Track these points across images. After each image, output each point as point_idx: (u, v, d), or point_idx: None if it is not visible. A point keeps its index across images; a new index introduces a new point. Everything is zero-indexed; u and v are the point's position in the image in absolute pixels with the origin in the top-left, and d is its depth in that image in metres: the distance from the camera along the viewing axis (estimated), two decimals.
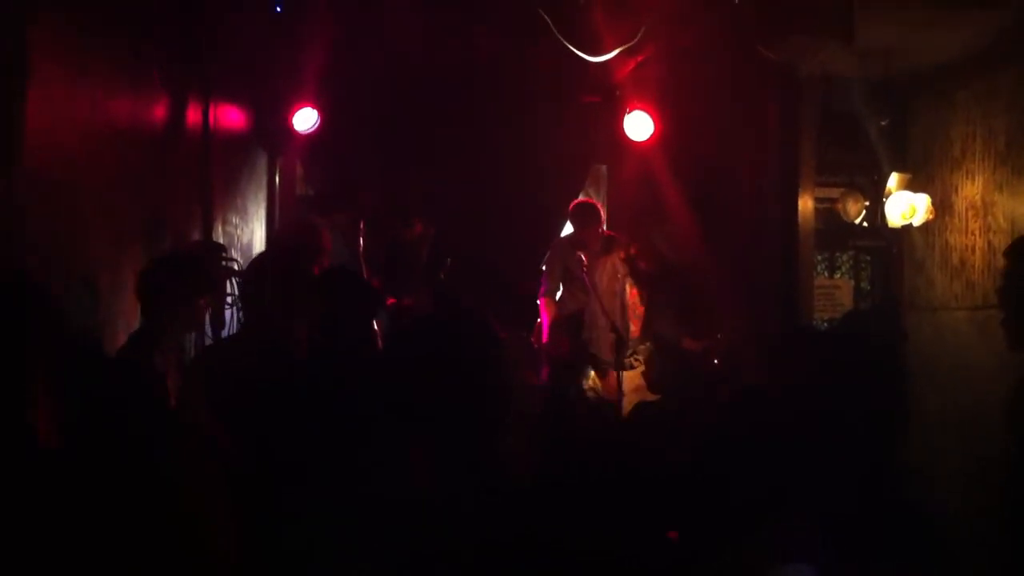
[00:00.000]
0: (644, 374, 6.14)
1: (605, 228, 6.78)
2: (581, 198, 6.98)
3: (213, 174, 6.13)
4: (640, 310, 6.23)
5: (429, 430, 2.18)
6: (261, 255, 5.91)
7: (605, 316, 6.14)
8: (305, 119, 6.91)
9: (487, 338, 2.31)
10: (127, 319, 4.42)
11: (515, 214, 7.12)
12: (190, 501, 2.54)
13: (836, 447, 2.53)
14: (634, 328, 6.25)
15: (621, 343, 6.08)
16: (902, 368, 3.27)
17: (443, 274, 6.42)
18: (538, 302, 7.12)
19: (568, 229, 7.02)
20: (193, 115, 5.82)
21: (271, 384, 3.13)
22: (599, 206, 6.61)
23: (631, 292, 6.24)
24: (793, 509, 2.16)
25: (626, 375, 6.12)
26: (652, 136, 6.70)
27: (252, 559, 2.55)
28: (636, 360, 6.17)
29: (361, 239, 6.03)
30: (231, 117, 6.66)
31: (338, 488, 2.39)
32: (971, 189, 6.04)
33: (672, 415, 5.84)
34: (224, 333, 5.13)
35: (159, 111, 5.34)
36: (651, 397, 6.11)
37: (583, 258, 6.17)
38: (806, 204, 6.39)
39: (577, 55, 5.76)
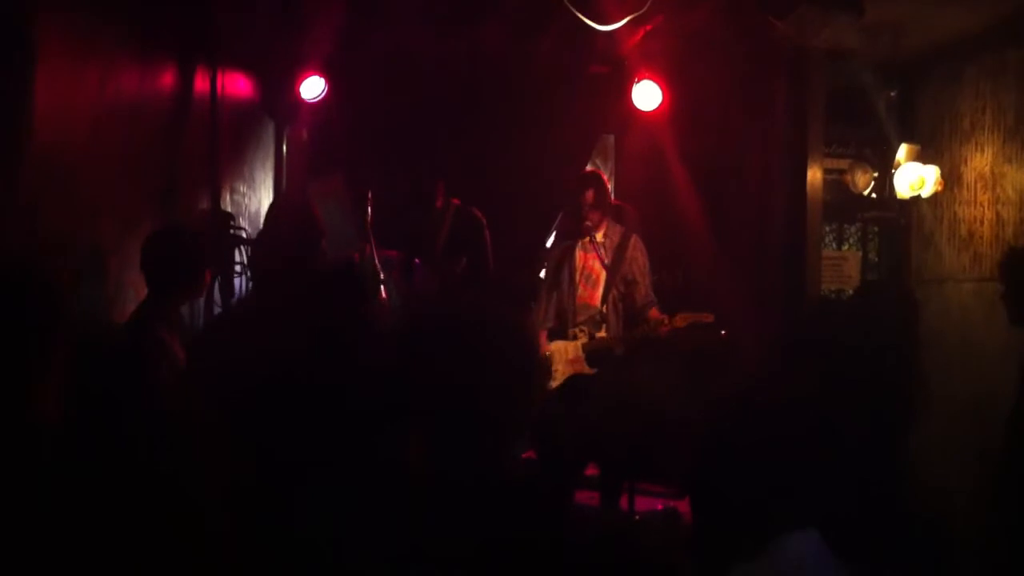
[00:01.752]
0: (583, 346, 6.03)
1: (612, 198, 6.74)
2: (590, 168, 6.98)
3: (221, 143, 6.14)
4: (599, 276, 6.07)
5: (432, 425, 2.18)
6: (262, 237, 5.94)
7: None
8: (312, 87, 6.90)
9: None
10: (136, 290, 4.44)
11: (523, 184, 7.12)
12: (195, 478, 2.56)
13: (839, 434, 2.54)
14: (590, 295, 6.13)
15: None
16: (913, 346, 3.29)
17: (458, 270, 6.38)
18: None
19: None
20: (201, 83, 5.82)
21: (272, 375, 3.13)
22: (599, 173, 6.54)
23: (591, 258, 6.07)
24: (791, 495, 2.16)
25: (563, 346, 6.03)
26: (660, 106, 6.65)
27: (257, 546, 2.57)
28: (581, 331, 6.08)
29: (369, 208, 6.02)
30: (238, 85, 6.65)
31: (341, 477, 2.41)
32: (980, 161, 6.03)
33: (604, 392, 5.82)
34: (233, 299, 5.17)
35: (167, 80, 5.34)
36: (586, 371, 5.97)
37: (590, 228, 6.08)
38: (815, 175, 6.36)
39: (586, 24, 5.71)
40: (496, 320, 2.39)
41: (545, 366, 5.89)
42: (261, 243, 4.76)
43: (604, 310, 6.00)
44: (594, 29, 5.78)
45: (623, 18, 5.67)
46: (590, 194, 5.92)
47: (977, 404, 5.39)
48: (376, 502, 2.12)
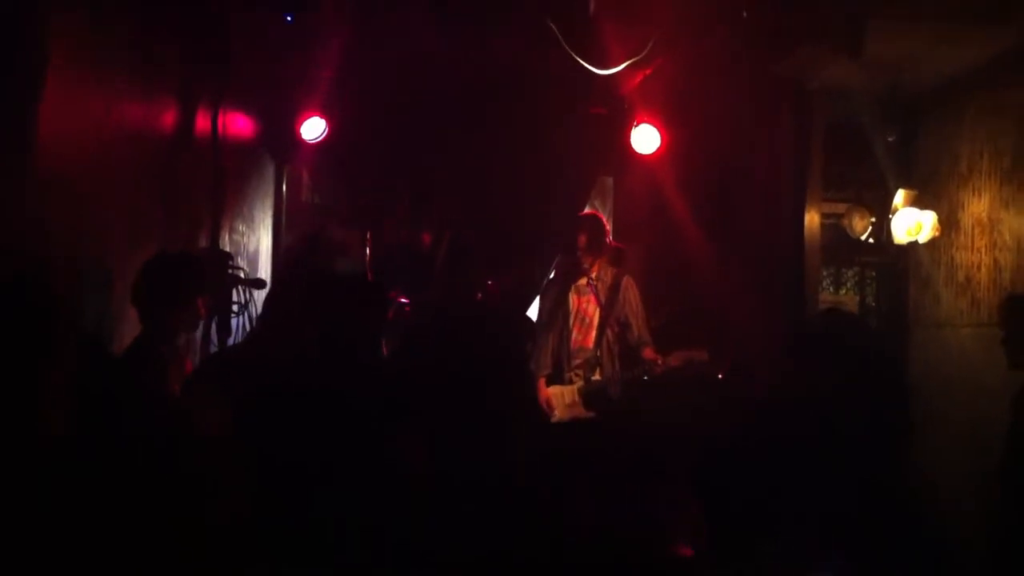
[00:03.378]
0: (580, 389, 6.04)
1: (611, 240, 6.76)
2: (586, 210, 6.98)
3: (221, 181, 6.15)
4: (594, 318, 6.09)
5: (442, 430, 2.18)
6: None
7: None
8: (313, 128, 6.94)
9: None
10: (136, 323, 4.42)
11: (522, 225, 7.13)
12: (195, 500, 2.54)
13: (833, 458, 2.54)
14: (584, 337, 6.15)
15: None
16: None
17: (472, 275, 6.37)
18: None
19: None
20: (202, 122, 5.84)
21: (286, 387, 3.13)
22: (602, 217, 6.58)
23: (584, 300, 6.10)
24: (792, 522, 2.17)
25: (560, 391, 6.05)
26: (659, 149, 6.71)
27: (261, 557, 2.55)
28: (576, 374, 6.09)
29: (368, 248, 6.04)
30: (239, 124, 6.68)
31: (351, 488, 2.40)
32: (977, 206, 6.04)
33: (603, 434, 5.81)
34: (230, 341, 5.14)
35: (169, 117, 5.37)
36: (584, 415, 6.00)
37: (586, 270, 6.11)
38: (812, 219, 6.38)
39: (585, 67, 5.76)
40: (494, 323, 2.41)
41: (545, 411, 5.92)
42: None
43: (598, 353, 6.02)
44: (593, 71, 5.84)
45: (622, 62, 5.71)
46: (583, 238, 5.97)
47: (981, 446, 5.36)
48: (379, 505, 2.12)
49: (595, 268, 6.05)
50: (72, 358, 2.35)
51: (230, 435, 2.76)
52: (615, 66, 5.74)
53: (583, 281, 6.06)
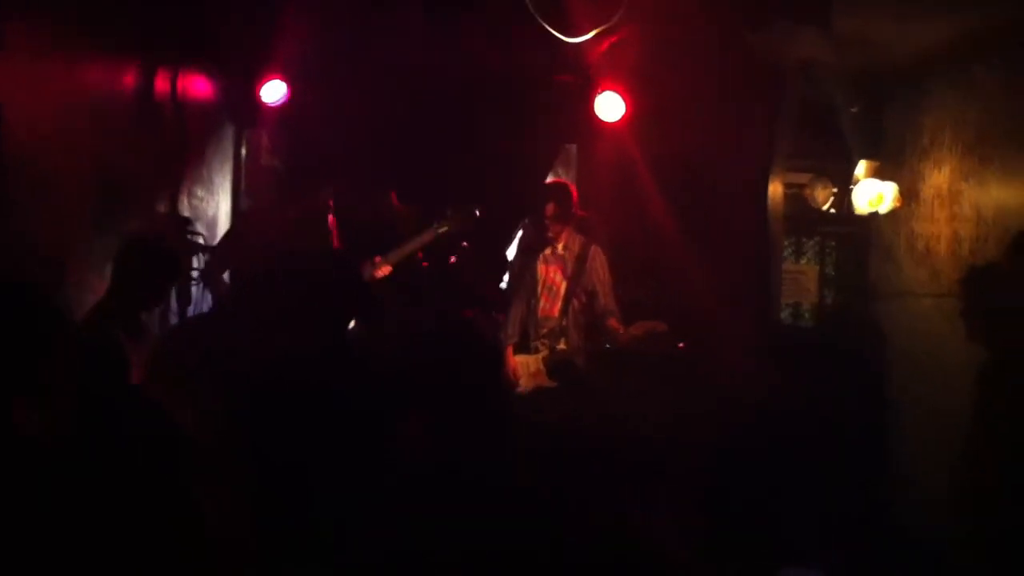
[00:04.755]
0: (544, 359, 6.06)
1: (578, 209, 6.73)
2: (553, 178, 6.96)
3: (181, 146, 6.06)
4: (560, 288, 6.10)
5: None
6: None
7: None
8: (274, 91, 6.82)
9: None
10: (94, 291, 4.36)
11: (485, 193, 7.08)
12: (155, 478, 2.51)
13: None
14: (551, 307, 6.17)
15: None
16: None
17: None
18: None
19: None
20: (162, 85, 5.73)
21: (250, 368, 3.09)
22: (565, 184, 6.55)
23: (552, 270, 6.11)
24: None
25: (525, 360, 6.03)
26: (623, 117, 6.68)
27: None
28: (542, 343, 6.11)
29: (331, 216, 5.97)
30: (199, 88, 6.57)
31: (322, 474, 2.37)
32: (938, 178, 6.09)
33: (566, 404, 5.85)
34: (190, 309, 5.08)
35: (128, 81, 5.26)
36: (548, 384, 5.99)
37: (552, 239, 6.10)
38: (775, 189, 6.41)
39: (552, 35, 5.71)
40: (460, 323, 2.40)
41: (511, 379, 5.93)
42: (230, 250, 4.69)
43: (564, 323, 6.02)
44: (560, 38, 5.78)
45: (591, 30, 5.67)
46: (551, 207, 5.95)
47: (941, 413, 5.43)
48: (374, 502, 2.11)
49: (563, 237, 6.04)
50: (25, 341, 2.30)
51: (196, 417, 2.73)
52: (583, 34, 5.69)
53: (550, 250, 6.04)
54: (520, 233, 7.18)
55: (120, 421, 2.40)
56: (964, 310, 4.41)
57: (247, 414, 3.01)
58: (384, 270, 6.07)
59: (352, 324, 4.55)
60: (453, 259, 6.47)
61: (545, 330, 6.05)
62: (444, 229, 6.21)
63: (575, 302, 6.03)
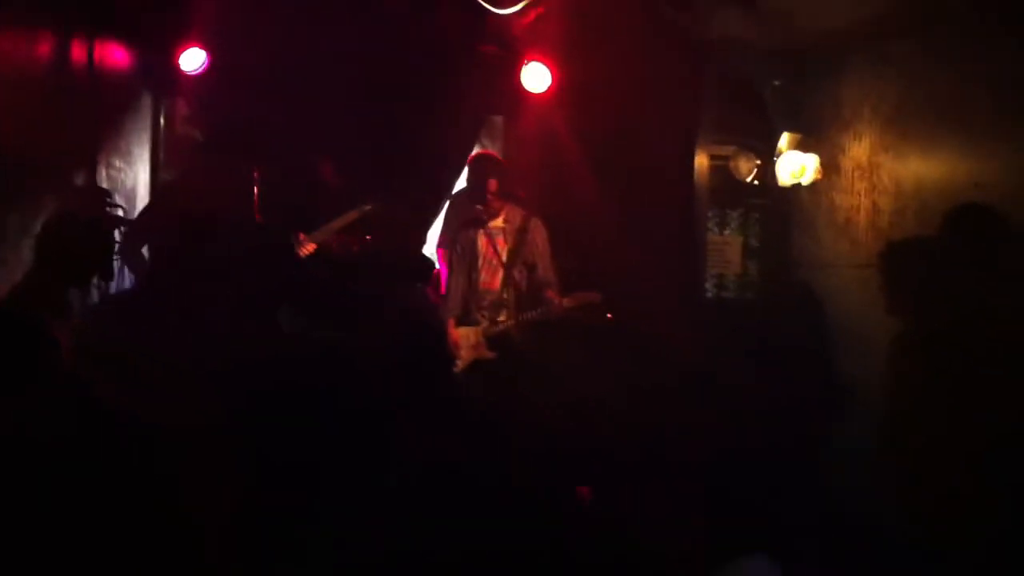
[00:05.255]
0: (484, 331, 6.11)
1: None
2: (480, 150, 6.93)
3: (97, 115, 5.90)
4: (501, 260, 6.13)
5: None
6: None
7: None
8: (192, 59, 6.67)
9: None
10: (9, 267, 4.24)
11: (410, 165, 7.02)
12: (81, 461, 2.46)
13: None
14: (491, 280, 6.20)
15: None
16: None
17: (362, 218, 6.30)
18: (436, 253, 7.12)
19: (464, 181, 6.95)
20: (77, 53, 5.57)
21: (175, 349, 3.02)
22: (499, 158, 6.55)
23: (493, 243, 6.13)
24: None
25: (466, 332, 6.10)
26: (549, 89, 6.67)
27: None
28: (483, 316, 6.14)
29: (255, 187, 5.87)
30: (116, 56, 6.39)
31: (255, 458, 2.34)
32: (858, 150, 6.18)
33: (504, 375, 5.92)
34: (113, 285, 4.95)
35: (42, 49, 5.09)
36: (488, 356, 6.09)
37: (480, 210, 6.12)
38: (700, 162, 6.45)
39: (478, 5, 5.67)
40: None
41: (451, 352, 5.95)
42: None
43: (505, 295, 6.06)
44: (485, 8, 5.75)
45: (516, 2, 5.64)
46: (494, 183, 5.97)
47: (860, 383, 5.53)
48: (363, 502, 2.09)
49: (503, 211, 6.08)
50: None
51: (122, 396, 2.67)
52: (511, 6, 5.66)
53: (491, 224, 6.08)
54: (448, 205, 7.15)
55: (47, 405, 2.34)
56: (883, 284, 4.46)
57: (174, 393, 2.96)
58: (309, 247, 6.03)
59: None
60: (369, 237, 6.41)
61: (486, 302, 6.10)
62: (368, 207, 6.18)
63: (515, 274, 6.07)
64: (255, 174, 5.91)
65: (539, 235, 6.13)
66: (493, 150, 7.41)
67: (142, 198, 6.94)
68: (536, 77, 6.69)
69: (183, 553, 2.23)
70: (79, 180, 5.72)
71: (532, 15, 6.13)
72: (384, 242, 6.45)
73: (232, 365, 2.88)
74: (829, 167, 6.39)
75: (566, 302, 5.96)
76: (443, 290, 6.40)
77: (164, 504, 2.41)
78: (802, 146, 6.41)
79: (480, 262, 6.10)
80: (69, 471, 2.21)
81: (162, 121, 7.38)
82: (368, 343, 2.26)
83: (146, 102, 7.21)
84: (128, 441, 2.42)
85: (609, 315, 6.33)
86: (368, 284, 5.91)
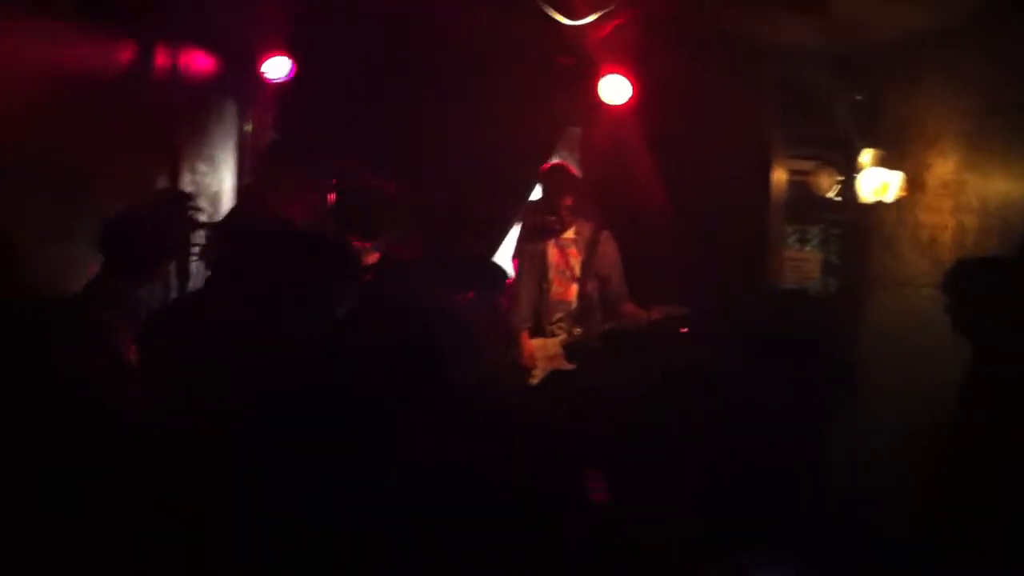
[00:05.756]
0: (563, 343, 6.08)
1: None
2: (554, 160, 6.91)
3: (180, 121, 6.04)
4: (574, 272, 6.12)
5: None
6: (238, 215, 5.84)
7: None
8: (277, 67, 6.81)
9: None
10: (84, 268, 4.35)
11: (486, 174, 7.05)
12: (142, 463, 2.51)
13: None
14: (564, 291, 6.17)
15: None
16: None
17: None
18: (511, 263, 7.13)
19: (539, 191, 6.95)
20: (161, 60, 5.71)
21: (234, 352, 3.06)
22: (572, 169, 6.54)
23: (564, 255, 6.13)
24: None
25: (542, 343, 6.09)
26: (628, 101, 6.63)
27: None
28: (558, 327, 6.12)
29: (331, 197, 5.95)
30: (200, 63, 6.54)
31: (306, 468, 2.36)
32: (943, 168, 6.03)
33: (586, 387, 5.88)
34: (190, 286, 5.06)
35: (125, 56, 5.24)
36: (566, 367, 6.06)
37: (551, 221, 6.13)
38: (778, 176, 6.36)
39: (552, 17, 5.67)
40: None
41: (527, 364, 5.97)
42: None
43: (579, 306, 6.06)
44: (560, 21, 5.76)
45: (592, 13, 5.63)
46: (567, 196, 5.98)
47: (934, 408, 5.39)
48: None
49: (574, 223, 6.09)
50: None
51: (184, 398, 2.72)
52: (583, 17, 5.65)
53: (562, 235, 6.09)
54: (523, 214, 7.16)
55: (47, 405, 2.39)
56: (949, 304, 4.30)
57: (232, 396, 2.99)
58: (374, 256, 6.10)
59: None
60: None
61: (560, 314, 6.11)
62: (436, 221, 6.23)
63: (589, 286, 6.07)
64: (332, 182, 5.98)
65: (610, 248, 6.13)
66: (570, 161, 7.40)
67: (227, 203, 7.09)
68: (615, 89, 6.65)
69: (183, 553, 2.26)
70: (161, 184, 5.85)
71: (609, 26, 6.10)
72: (456, 251, 6.47)
73: (285, 369, 2.91)
74: (913, 184, 6.24)
75: (653, 314, 5.93)
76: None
77: (165, 504, 2.45)
78: (884, 162, 6.28)
79: (551, 273, 6.12)
80: (68, 470, 2.25)
81: (248, 128, 7.52)
82: (371, 343, 2.27)
83: (232, 109, 7.35)
84: (130, 440, 2.46)
85: (684, 329, 6.27)
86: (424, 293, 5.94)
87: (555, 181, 6.18)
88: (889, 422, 6.13)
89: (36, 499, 2.18)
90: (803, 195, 6.77)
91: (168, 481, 2.51)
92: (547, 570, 2.04)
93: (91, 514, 2.26)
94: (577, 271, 6.09)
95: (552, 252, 6.12)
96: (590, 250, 6.08)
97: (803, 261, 6.94)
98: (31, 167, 4.09)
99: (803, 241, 7.04)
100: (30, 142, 4.02)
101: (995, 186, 5.57)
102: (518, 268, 6.46)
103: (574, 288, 6.11)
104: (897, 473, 5.54)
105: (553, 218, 6.07)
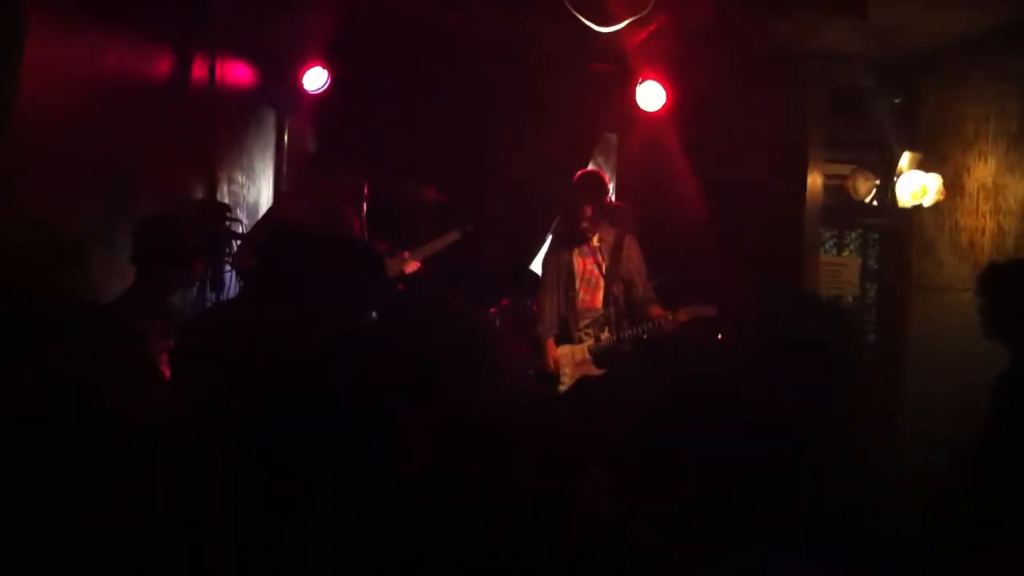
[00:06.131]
0: (590, 348, 6.07)
1: (613, 198, 6.74)
2: (587, 168, 6.91)
3: (218, 131, 6.10)
4: (599, 279, 6.11)
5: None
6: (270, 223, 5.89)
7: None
8: (315, 79, 6.86)
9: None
10: (125, 277, 4.41)
11: (523, 180, 7.07)
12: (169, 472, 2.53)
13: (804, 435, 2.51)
14: (591, 298, 6.17)
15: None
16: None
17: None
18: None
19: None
20: (198, 71, 5.78)
21: (266, 360, 3.08)
22: (604, 176, 6.53)
23: (589, 262, 6.13)
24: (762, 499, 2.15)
25: (571, 349, 6.08)
26: (664, 107, 6.62)
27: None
28: (586, 334, 6.12)
29: (365, 204, 6.00)
30: (238, 74, 6.61)
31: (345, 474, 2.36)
32: (983, 170, 5.97)
33: (615, 391, 5.86)
34: (224, 295, 5.11)
35: (162, 65, 5.30)
36: (595, 372, 6.05)
37: (590, 234, 6.13)
38: (815, 181, 6.32)
39: (587, 24, 5.67)
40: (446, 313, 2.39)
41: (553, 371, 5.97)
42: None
43: (607, 311, 6.05)
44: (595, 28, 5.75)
45: (624, 19, 5.63)
46: (589, 209, 5.99)
47: (974, 413, 5.32)
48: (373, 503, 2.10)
49: (597, 231, 6.08)
50: (40, 328, 2.33)
51: (211, 411, 2.74)
52: (617, 23, 5.65)
53: (586, 244, 6.09)
54: (555, 226, 7.17)
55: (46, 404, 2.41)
56: (983, 307, 4.22)
57: (259, 403, 3.02)
58: (413, 265, 6.14)
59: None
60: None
61: (587, 320, 6.10)
62: (471, 228, 6.24)
63: (614, 291, 6.07)
64: (364, 191, 6.02)
65: (634, 252, 6.13)
66: (606, 168, 7.41)
67: (263, 214, 7.15)
68: (651, 95, 6.64)
69: (183, 553, 2.28)
70: (199, 194, 5.92)
71: (643, 33, 6.09)
72: (493, 259, 6.50)
73: (311, 375, 2.93)
74: (952, 188, 6.18)
75: (681, 316, 5.92)
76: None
77: (165, 504, 2.46)
78: (923, 166, 6.22)
79: (578, 282, 6.12)
80: (68, 469, 2.27)
81: (286, 138, 7.59)
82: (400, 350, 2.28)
83: (270, 119, 7.43)
84: (129, 439, 2.48)
85: (720, 335, 6.25)
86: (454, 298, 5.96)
87: (579, 190, 6.17)
88: (929, 427, 6.07)
89: (36, 499, 2.21)
90: (841, 200, 6.71)
91: (172, 482, 2.53)
92: (547, 570, 2.03)
93: (91, 514, 2.28)
94: (602, 278, 6.09)
95: (577, 261, 6.13)
96: (614, 256, 6.08)
97: (841, 266, 6.88)
98: (79, 174, 4.15)
99: (840, 245, 6.98)
100: (77, 149, 4.08)
101: None
102: (543, 277, 6.45)
103: (600, 295, 6.12)
104: (935, 478, 5.48)
105: (583, 225, 6.06)
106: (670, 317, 5.93)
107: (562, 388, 6.03)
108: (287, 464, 2.68)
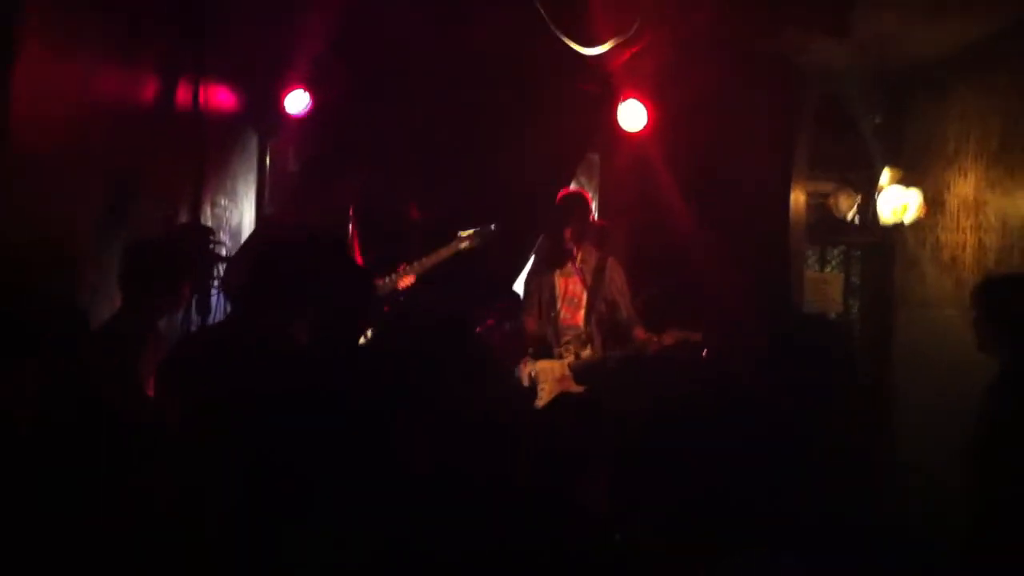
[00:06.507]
0: (571, 365, 6.07)
1: (596, 217, 6.75)
2: (570, 188, 6.94)
3: (203, 154, 6.08)
4: (581, 298, 6.13)
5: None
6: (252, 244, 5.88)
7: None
8: (297, 101, 6.86)
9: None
10: (112, 300, 4.38)
11: (506, 201, 7.07)
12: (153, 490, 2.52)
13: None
14: (572, 317, 6.18)
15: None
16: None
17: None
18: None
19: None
20: (183, 94, 5.77)
21: (258, 376, 3.08)
22: (588, 196, 6.55)
23: (571, 282, 6.15)
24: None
25: (551, 365, 6.07)
26: (646, 126, 6.66)
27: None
28: (567, 350, 6.12)
29: (350, 226, 5.99)
30: (222, 97, 6.60)
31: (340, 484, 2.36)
32: (964, 187, 6.03)
33: (594, 408, 5.84)
34: (211, 319, 5.09)
35: (149, 90, 5.29)
36: (575, 389, 5.98)
37: (572, 255, 6.14)
38: (798, 198, 6.36)
39: (571, 46, 5.71)
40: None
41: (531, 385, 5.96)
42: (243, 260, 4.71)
43: (589, 330, 6.05)
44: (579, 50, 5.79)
45: (608, 41, 5.67)
46: (569, 232, 6.01)
47: (958, 424, 5.34)
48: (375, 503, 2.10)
49: (580, 251, 6.10)
50: (31, 347, 2.31)
51: (201, 425, 2.73)
52: (602, 45, 5.69)
53: (568, 264, 6.11)
54: (537, 246, 7.18)
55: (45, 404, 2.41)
56: (976, 320, 4.27)
57: (251, 418, 3.00)
58: (408, 279, 6.12)
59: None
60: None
61: (568, 337, 6.09)
62: (465, 244, 6.24)
63: (596, 311, 6.07)
64: (351, 212, 6.02)
65: (617, 275, 6.15)
66: (589, 188, 7.42)
67: (247, 236, 7.12)
68: (633, 115, 6.68)
69: (183, 553, 2.27)
70: (183, 218, 5.89)
71: (627, 54, 6.14)
72: (479, 277, 6.49)
73: (305, 389, 2.93)
74: (933, 203, 6.23)
75: (666, 339, 5.91)
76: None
77: (165, 504, 2.46)
78: (904, 182, 6.28)
79: (559, 303, 6.14)
80: (67, 468, 2.26)
81: (268, 161, 7.57)
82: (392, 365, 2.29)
83: (252, 142, 7.40)
84: (128, 440, 2.47)
85: (705, 352, 6.25)
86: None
87: (561, 212, 6.20)
88: (914, 440, 6.10)
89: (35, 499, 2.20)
90: (823, 216, 6.76)
91: (173, 483, 2.52)
92: (547, 570, 2.04)
93: (92, 514, 2.28)
94: (584, 298, 6.10)
95: (559, 282, 6.16)
96: (597, 277, 6.11)
97: (824, 283, 6.92)
98: (65, 196, 4.15)
99: (823, 262, 7.04)
100: (63, 171, 4.08)
101: (1015, 205, 5.56)
102: (525, 298, 6.46)
103: (582, 313, 6.13)
104: (922, 490, 5.51)
105: (566, 246, 6.08)
106: (655, 340, 5.92)
107: (539, 404, 5.99)
108: (286, 465, 2.68)
